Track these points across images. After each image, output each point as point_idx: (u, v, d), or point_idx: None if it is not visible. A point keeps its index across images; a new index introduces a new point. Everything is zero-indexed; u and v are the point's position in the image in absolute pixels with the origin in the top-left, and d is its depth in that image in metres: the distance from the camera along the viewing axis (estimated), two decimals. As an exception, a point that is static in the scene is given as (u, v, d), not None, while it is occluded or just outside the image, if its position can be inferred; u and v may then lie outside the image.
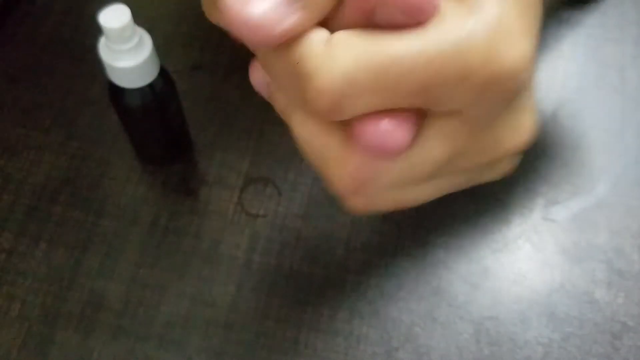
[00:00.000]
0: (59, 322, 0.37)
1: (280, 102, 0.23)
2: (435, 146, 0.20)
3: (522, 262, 0.39)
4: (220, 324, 0.37)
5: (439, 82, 0.18)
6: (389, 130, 0.19)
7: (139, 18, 0.31)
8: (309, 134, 0.21)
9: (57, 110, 0.43)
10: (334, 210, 0.40)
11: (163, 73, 0.34)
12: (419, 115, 0.20)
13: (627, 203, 0.40)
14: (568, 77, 0.45)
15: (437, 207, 0.40)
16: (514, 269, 0.38)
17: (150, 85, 0.34)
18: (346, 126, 0.20)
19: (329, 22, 0.20)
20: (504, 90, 0.19)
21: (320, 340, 0.36)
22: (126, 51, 0.31)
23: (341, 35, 0.19)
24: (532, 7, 0.20)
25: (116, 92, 0.34)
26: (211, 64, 0.45)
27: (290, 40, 0.19)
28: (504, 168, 0.24)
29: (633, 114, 0.43)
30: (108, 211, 0.40)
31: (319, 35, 0.19)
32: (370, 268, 0.38)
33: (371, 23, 0.19)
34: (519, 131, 0.22)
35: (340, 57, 0.18)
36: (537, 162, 0.41)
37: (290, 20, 0.18)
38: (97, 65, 0.33)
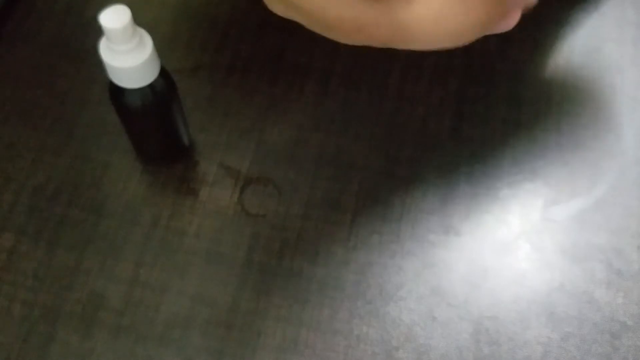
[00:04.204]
0: (59, 322, 0.37)
1: None
2: None
3: (521, 262, 0.39)
4: (220, 324, 0.37)
5: None
6: None
7: (139, 18, 0.31)
8: None
9: (58, 110, 0.43)
10: (334, 210, 0.40)
11: (163, 73, 0.34)
12: None
13: (626, 203, 0.40)
14: (568, 77, 0.45)
15: (437, 206, 0.40)
16: (514, 269, 0.38)
17: (151, 86, 0.34)
18: None
19: None
20: None
21: (320, 340, 0.36)
22: (127, 51, 0.31)
23: None
24: None
25: (117, 93, 0.34)
26: (211, 64, 0.45)
27: None
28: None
29: (632, 114, 0.43)
30: (108, 211, 0.40)
31: None
32: (370, 268, 0.38)
33: None
34: None
35: None
36: (536, 162, 0.41)
37: None
38: (97, 65, 0.33)
